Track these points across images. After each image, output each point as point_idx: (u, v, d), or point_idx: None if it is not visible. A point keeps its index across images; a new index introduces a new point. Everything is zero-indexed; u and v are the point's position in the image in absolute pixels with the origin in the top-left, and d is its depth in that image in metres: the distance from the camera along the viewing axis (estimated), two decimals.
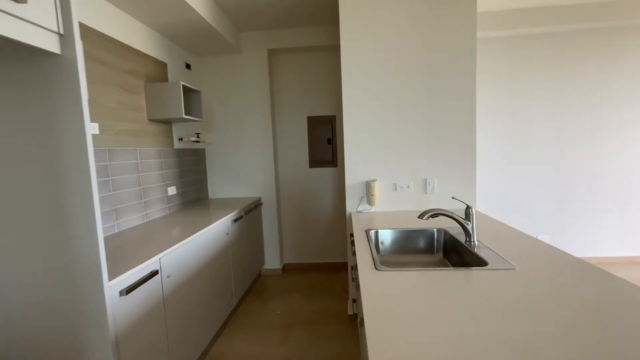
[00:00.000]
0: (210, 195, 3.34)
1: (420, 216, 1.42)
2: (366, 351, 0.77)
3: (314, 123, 3.36)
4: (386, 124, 2.21)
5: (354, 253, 1.62)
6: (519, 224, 3.33)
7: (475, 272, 1.13)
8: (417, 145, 2.20)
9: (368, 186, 2.21)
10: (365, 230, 1.74)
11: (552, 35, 3.11)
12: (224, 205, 2.85)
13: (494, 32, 3.00)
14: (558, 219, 3.31)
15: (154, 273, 1.45)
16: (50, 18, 1.02)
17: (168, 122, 2.61)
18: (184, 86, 2.39)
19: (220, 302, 2.21)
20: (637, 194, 3.23)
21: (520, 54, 3.16)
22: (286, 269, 3.50)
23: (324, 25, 3.07)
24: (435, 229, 1.72)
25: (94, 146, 1.83)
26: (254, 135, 3.24)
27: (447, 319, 0.83)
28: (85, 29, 1.78)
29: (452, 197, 1.46)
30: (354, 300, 2.20)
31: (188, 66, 2.99)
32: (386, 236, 1.75)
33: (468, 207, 1.43)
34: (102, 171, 1.88)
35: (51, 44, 1.04)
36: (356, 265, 1.40)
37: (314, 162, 3.40)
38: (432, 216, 1.42)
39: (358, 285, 1.19)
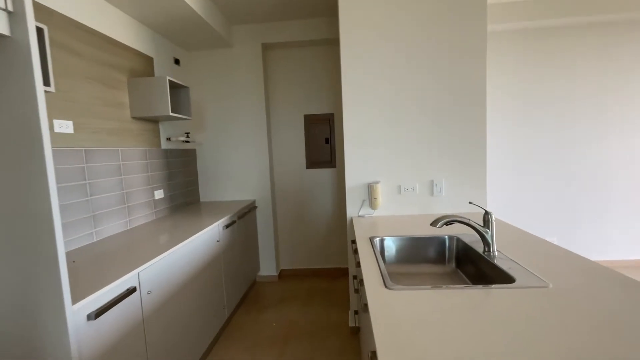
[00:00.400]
0: (202, 199, 3.16)
1: (433, 223, 1.26)
2: None
3: (311, 122, 3.19)
4: (389, 121, 2.05)
5: (357, 264, 1.46)
6: (526, 226, 3.18)
7: (502, 291, 0.97)
8: (422, 144, 2.04)
9: (370, 188, 2.04)
10: (370, 238, 1.57)
11: (561, 29, 2.97)
12: (216, 209, 2.67)
13: (499, 25, 2.85)
14: (565, 221, 3.17)
15: (131, 290, 1.27)
16: None
17: (154, 121, 2.42)
18: (171, 82, 2.21)
19: (211, 315, 2.03)
20: None
21: (525, 50, 3.01)
22: (282, 275, 3.32)
23: (322, 17, 2.90)
24: (446, 236, 1.56)
25: (68, 146, 1.64)
26: (247, 135, 3.06)
27: (477, 351, 0.67)
28: (53, 15, 1.60)
29: (470, 202, 1.30)
30: (356, 312, 2.03)
31: (177, 61, 2.81)
32: (392, 244, 1.59)
33: (486, 213, 1.27)
34: (77, 174, 1.69)
35: None
36: (362, 279, 1.24)
37: (312, 163, 3.23)
38: (447, 223, 1.26)
39: (365, 305, 1.02)
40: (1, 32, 0.88)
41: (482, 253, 1.29)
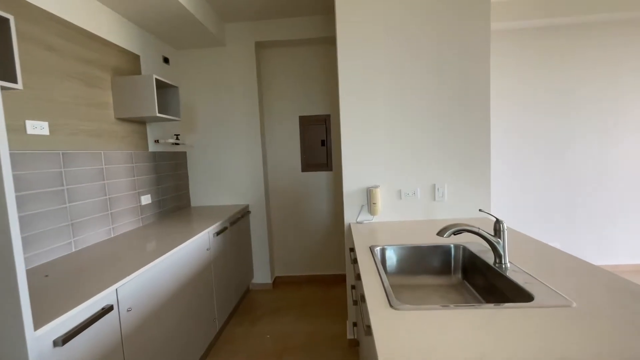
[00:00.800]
0: (193, 203, 3.02)
1: (440, 233, 1.15)
2: None
3: (306, 123, 3.08)
4: (389, 123, 1.95)
5: (357, 277, 1.35)
6: (528, 231, 3.10)
7: (519, 311, 0.86)
8: (424, 147, 1.95)
9: (369, 193, 1.94)
10: (370, 247, 1.46)
11: (562, 28, 2.90)
12: (207, 214, 2.54)
13: (501, 23, 2.77)
14: (569, 225, 3.09)
15: (107, 309, 1.15)
16: None
17: (141, 122, 2.29)
18: (158, 81, 2.09)
19: (200, 328, 1.91)
20: None
21: (526, 50, 2.94)
22: (277, 282, 3.20)
23: (318, 15, 2.80)
24: (452, 245, 1.45)
25: (42, 149, 1.51)
26: (240, 137, 2.94)
27: None
28: (31, 9, 1.47)
29: (480, 210, 1.20)
30: (355, 324, 1.92)
31: (166, 60, 2.68)
32: (394, 254, 1.48)
33: (497, 222, 1.17)
34: (54, 179, 1.56)
35: None
36: (362, 295, 1.13)
37: (307, 166, 3.12)
38: (455, 233, 1.15)
39: (368, 327, 0.91)
40: None
41: (492, 264, 1.18)
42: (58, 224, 1.57)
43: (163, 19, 2.24)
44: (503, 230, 1.16)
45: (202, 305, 1.96)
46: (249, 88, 2.89)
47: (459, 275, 1.43)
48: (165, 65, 2.67)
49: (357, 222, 2.00)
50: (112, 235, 1.95)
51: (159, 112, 2.20)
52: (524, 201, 3.09)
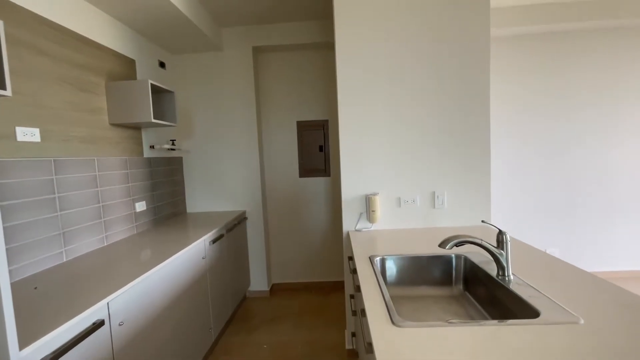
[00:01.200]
0: (189, 209, 2.98)
1: (442, 245, 1.13)
2: None
3: (304, 128, 3.06)
4: (388, 129, 1.93)
5: (357, 288, 1.31)
6: (527, 236, 3.09)
7: (525, 328, 0.83)
8: (423, 154, 1.92)
9: (368, 201, 1.91)
10: (369, 258, 1.43)
11: (561, 34, 2.91)
12: (203, 220, 2.50)
13: (500, 29, 2.78)
14: (567, 231, 3.08)
15: (98, 324, 1.11)
16: None
17: (136, 128, 2.25)
18: (154, 86, 2.05)
19: (195, 339, 1.86)
20: None
21: (526, 56, 2.94)
22: (274, 290, 3.15)
23: (316, 20, 2.79)
24: (453, 255, 1.43)
25: (33, 156, 1.47)
26: (238, 142, 2.91)
27: None
28: (22, 13, 1.44)
29: (482, 221, 1.18)
30: (354, 335, 1.88)
31: (162, 64, 2.65)
32: (394, 265, 1.45)
33: (500, 233, 1.15)
34: (45, 187, 1.52)
35: None
36: (363, 309, 1.09)
37: (305, 171, 3.09)
38: (457, 245, 1.13)
39: (369, 345, 0.88)
40: None
41: (495, 277, 1.16)
42: (49, 233, 1.53)
43: (159, 23, 2.21)
44: (506, 242, 1.14)
45: (198, 315, 1.91)
46: (246, 93, 2.87)
47: (460, 287, 1.41)
48: (161, 69, 2.64)
49: (356, 230, 1.97)
50: (105, 244, 1.90)
51: (155, 118, 2.16)
52: (523, 204, 3.07)
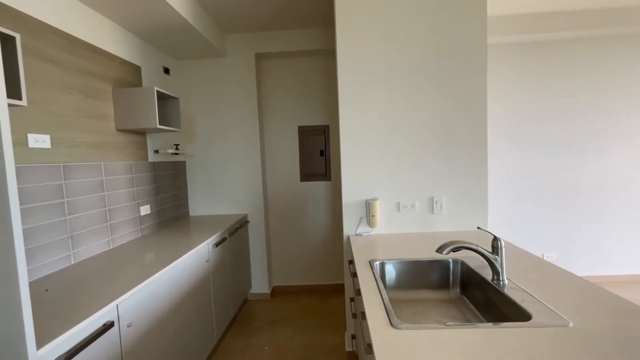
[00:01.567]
0: (192, 213, 3.02)
1: (439, 250, 1.17)
2: None
3: (305, 133, 3.11)
4: (388, 136, 1.98)
5: (357, 292, 1.36)
6: (525, 241, 3.13)
7: (517, 330, 0.88)
8: (422, 160, 1.97)
9: (368, 206, 1.96)
10: (369, 262, 1.48)
11: (558, 42, 2.97)
12: (206, 224, 2.54)
13: (499, 37, 2.84)
14: (565, 235, 3.13)
15: (108, 326, 1.15)
16: None
17: (141, 133, 2.30)
18: (159, 92, 2.10)
19: (198, 341, 1.90)
20: None
21: (524, 63, 3.00)
22: (275, 292, 3.19)
23: (317, 27, 2.84)
24: (450, 260, 1.47)
25: (44, 162, 1.52)
26: (240, 147, 2.96)
27: None
28: (28, 21, 1.49)
29: (478, 227, 1.23)
30: (354, 337, 1.92)
31: (166, 70, 2.70)
32: (393, 269, 1.49)
33: (495, 239, 1.19)
34: (54, 192, 1.57)
35: None
36: (363, 312, 1.14)
37: (306, 176, 3.13)
38: (454, 250, 1.17)
39: (369, 346, 0.92)
40: None
41: (490, 281, 1.20)
42: (58, 236, 1.57)
43: (164, 31, 2.26)
44: (501, 248, 1.18)
45: (201, 318, 1.95)
46: (249, 98, 2.92)
47: (458, 291, 1.45)
48: (165, 75, 2.69)
49: (356, 234, 2.01)
50: (111, 247, 1.95)
51: (160, 124, 2.21)
52: (521, 208, 3.12)
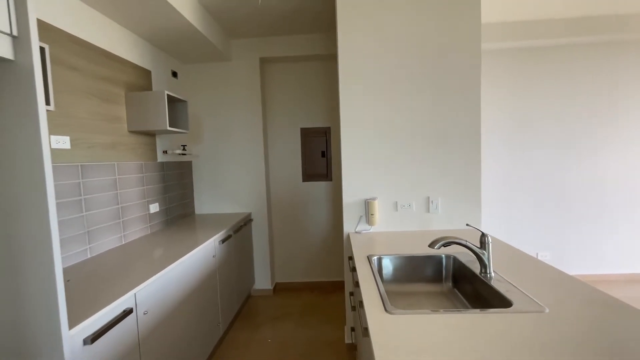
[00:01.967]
0: (197, 211, 3.13)
1: (432, 245, 1.28)
2: None
3: (307, 135, 3.21)
4: (386, 138, 2.08)
5: (356, 284, 1.46)
6: (520, 241, 3.23)
7: (500, 316, 0.98)
8: (419, 161, 2.07)
9: (368, 205, 2.06)
10: (368, 257, 1.58)
11: (553, 48, 3.07)
12: (212, 222, 2.65)
13: (495, 44, 2.94)
14: (559, 235, 3.22)
15: (127, 312, 1.25)
16: (0, 17, 0.85)
17: (151, 134, 2.41)
18: (169, 96, 2.21)
19: (206, 332, 2.01)
20: (638, 210, 3.17)
21: (520, 67, 3.10)
22: (277, 289, 3.29)
23: (319, 33, 2.95)
24: (443, 255, 1.57)
25: (64, 162, 1.63)
26: (244, 148, 3.06)
27: None
28: (53, 31, 1.59)
29: (467, 224, 1.33)
30: (353, 329, 2.02)
31: (174, 74, 2.82)
32: (389, 263, 1.60)
33: (483, 235, 1.29)
34: (73, 190, 1.68)
35: (2, 49, 0.87)
36: (361, 301, 1.24)
37: (308, 176, 3.24)
38: (444, 245, 1.27)
39: (365, 329, 1.03)
40: (5, 56, 0.88)
41: (478, 274, 1.30)
42: (76, 231, 1.68)
43: (173, 37, 2.37)
44: (488, 243, 1.28)
45: (208, 310, 2.06)
46: (253, 101, 3.03)
47: (450, 284, 1.55)
48: (173, 78, 2.80)
49: (356, 232, 2.11)
50: (124, 242, 2.05)
51: (169, 126, 2.32)
52: (516, 210, 3.21)
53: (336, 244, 3.29)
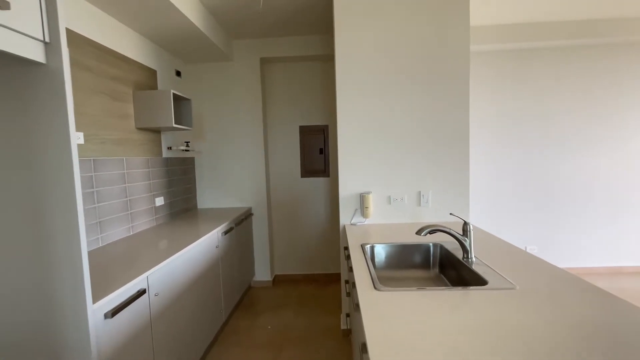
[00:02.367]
0: (199, 206, 3.25)
1: (418, 232, 1.40)
2: None
3: (306, 132, 3.33)
4: (381, 136, 2.20)
5: (350, 269, 1.59)
6: (509, 234, 3.37)
7: (475, 292, 1.11)
8: (411, 158, 2.20)
9: (362, 198, 2.18)
10: (361, 245, 1.71)
11: (540, 50, 3.20)
12: (214, 216, 2.77)
13: (485, 45, 3.06)
14: (546, 229, 3.36)
15: (141, 292, 1.38)
16: (34, 25, 0.96)
17: (157, 131, 2.53)
18: (174, 94, 2.33)
19: (209, 318, 2.13)
20: (622, 206, 3.32)
21: (509, 67, 3.23)
22: (277, 280, 3.42)
23: (317, 35, 3.07)
24: (431, 244, 1.70)
25: (79, 156, 1.74)
26: (245, 144, 3.18)
27: (450, 343, 0.80)
28: (68, 34, 1.71)
29: (450, 214, 1.45)
30: (348, 315, 2.15)
31: (178, 73, 2.93)
32: (382, 251, 1.72)
33: (465, 223, 1.42)
34: (86, 182, 1.79)
35: (35, 53, 0.98)
36: (354, 283, 1.37)
37: (306, 172, 3.36)
38: (430, 232, 1.40)
39: (357, 305, 1.15)
40: (39, 60, 0.99)
41: (461, 259, 1.43)
42: (89, 221, 1.80)
43: (178, 37, 2.48)
44: (469, 231, 1.41)
45: (211, 297, 2.18)
46: (254, 99, 3.14)
47: (437, 270, 1.68)
48: (177, 77, 2.92)
49: (351, 224, 2.24)
50: (132, 233, 2.17)
51: (175, 123, 2.43)
52: (506, 205, 3.35)
53: (333, 239, 3.42)
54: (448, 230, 1.39)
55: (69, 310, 1.08)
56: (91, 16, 1.87)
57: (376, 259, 1.73)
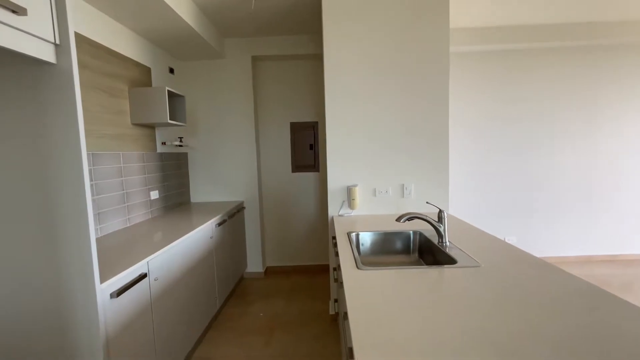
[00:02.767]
0: (193, 200, 3.34)
1: (398, 219, 1.54)
2: (349, 342, 0.86)
3: (296, 129, 3.45)
4: (366, 132, 2.34)
5: (336, 254, 1.72)
6: (490, 226, 3.56)
7: (445, 269, 1.26)
8: (395, 152, 2.34)
9: (349, 191, 2.32)
10: (347, 233, 1.84)
11: (520, 51, 3.37)
12: (207, 209, 2.87)
13: (465, 47, 3.22)
14: (524, 221, 3.57)
15: (142, 276, 1.48)
16: (46, 28, 1.06)
17: (151, 127, 2.61)
18: (168, 91, 2.41)
19: (204, 304, 2.24)
20: (593, 198, 3.54)
21: (488, 67, 3.40)
22: (268, 272, 3.54)
23: (307, 35, 3.17)
24: (411, 232, 1.85)
25: None
26: (237, 140, 3.28)
27: (421, 312, 0.94)
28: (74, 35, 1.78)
29: (427, 202, 1.60)
30: (336, 300, 2.29)
31: (171, 70, 3.00)
32: (366, 238, 1.86)
33: (440, 211, 1.57)
34: None
35: (47, 54, 1.08)
36: (339, 265, 1.50)
37: (297, 167, 3.48)
38: (409, 219, 1.54)
39: (341, 283, 1.29)
40: (50, 60, 1.09)
41: (436, 243, 1.58)
42: None
43: (172, 36, 2.56)
44: (444, 218, 1.56)
45: (206, 285, 2.29)
46: (245, 96, 3.24)
47: (416, 255, 1.83)
48: (171, 75, 2.99)
49: (339, 215, 2.37)
50: (128, 225, 2.26)
51: (169, 119, 2.52)
52: (486, 199, 3.54)
53: (323, 231, 3.55)
54: (424, 217, 1.53)
55: (79, 288, 1.18)
56: (88, 15, 1.95)
57: (361, 246, 1.86)
